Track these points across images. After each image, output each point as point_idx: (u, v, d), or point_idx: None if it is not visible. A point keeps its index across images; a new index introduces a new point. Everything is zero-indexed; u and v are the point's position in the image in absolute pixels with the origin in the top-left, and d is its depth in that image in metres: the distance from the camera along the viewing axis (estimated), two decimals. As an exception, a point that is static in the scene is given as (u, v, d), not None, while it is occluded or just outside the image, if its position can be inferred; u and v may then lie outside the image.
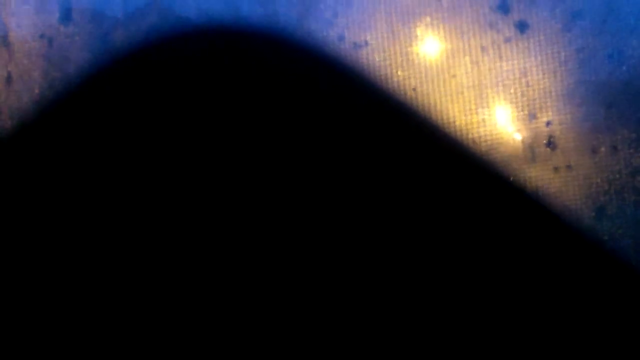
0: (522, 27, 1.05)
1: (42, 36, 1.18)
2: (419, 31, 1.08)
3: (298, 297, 1.09)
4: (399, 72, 1.08)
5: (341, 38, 1.09)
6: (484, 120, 1.06)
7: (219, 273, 1.11)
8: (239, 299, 1.10)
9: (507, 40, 1.06)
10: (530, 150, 1.05)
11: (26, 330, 1.15)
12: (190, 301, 1.11)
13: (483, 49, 1.06)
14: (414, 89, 1.07)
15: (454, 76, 1.07)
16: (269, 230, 1.09)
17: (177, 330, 1.11)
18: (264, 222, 1.10)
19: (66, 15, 1.18)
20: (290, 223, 1.09)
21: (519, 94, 1.05)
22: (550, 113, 1.05)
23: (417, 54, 1.08)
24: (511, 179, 1.04)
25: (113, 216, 1.14)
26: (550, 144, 1.04)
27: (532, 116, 1.05)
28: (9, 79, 1.19)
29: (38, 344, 1.15)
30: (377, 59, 1.08)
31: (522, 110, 1.05)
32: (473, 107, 1.06)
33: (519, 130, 1.05)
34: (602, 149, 1.03)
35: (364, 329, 1.07)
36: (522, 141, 1.05)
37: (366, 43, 1.09)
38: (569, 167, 1.04)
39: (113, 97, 1.15)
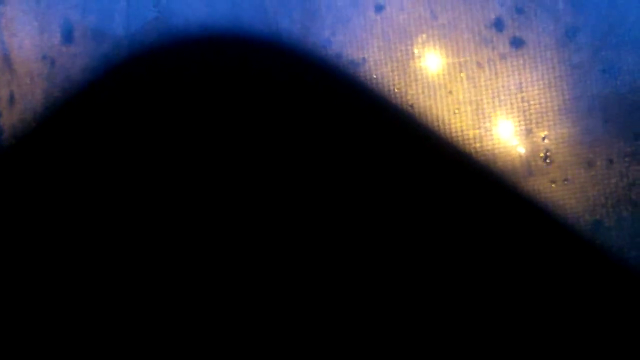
0: (517, 43, 1.07)
1: (44, 57, 1.19)
2: (415, 49, 1.09)
3: (298, 296, 1.09)
4: (396, 89, 1.09)
5: (339, 56, 1.11)
6: (480, 135, 1.07)
7: (220, 274, 1.11)
8: (238, 298, 1.11)
9: (503, 56, 1.07)
10: (528, 164, 1.06)
11: (26, 330, 1.15)
12: (190, 301, 1.12)
13: (479, 65, 1.07)
14: (411, 106, 1.08)
15: (451, 92, 1.08)
16: (273, 233, 1.10)
17: (177, 330, 1.12)
18: (268, 229, 1.11)
19: (68, 36, 1.19)
20: (298, 234, 1.10)
21: (515, 110, 1.07)
22: (546, 128, 1.06)
23: (414, 71, 1.09)
24: (509, 192, 1.05)
25: (114, 228, 1.15)
26: (547, 158, 1.05)
27: (528, 131, 1.06)
28: (11, 99, 1.20)
29: (38, 343, 1.15)
30: (374, 76, 1.10)
31: (519, 126, 1.06)
32: (470, 122, 1.07)
33: (516, 145, 1.06)
34: (598, 162, 1.05)
35: (365, 329, 1.07)
36: (520, 156, 1.06)
37: (364, 60, 1.10)
38: (566, 180, 1.05)
39: (114, 115, 1.16)
